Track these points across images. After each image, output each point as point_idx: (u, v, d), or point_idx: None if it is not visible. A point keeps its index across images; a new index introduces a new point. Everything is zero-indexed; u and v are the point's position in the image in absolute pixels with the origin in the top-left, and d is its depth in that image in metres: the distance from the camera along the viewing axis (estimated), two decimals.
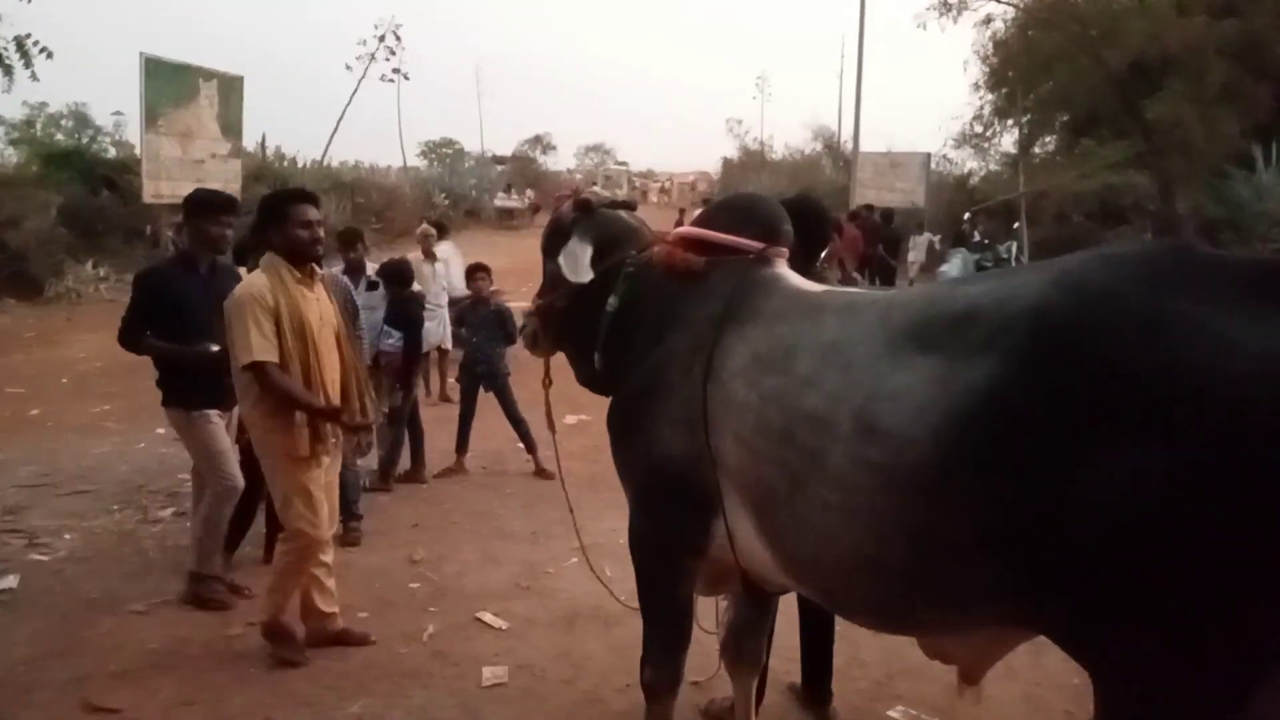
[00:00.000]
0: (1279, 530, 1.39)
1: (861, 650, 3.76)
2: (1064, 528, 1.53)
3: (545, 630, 3.89)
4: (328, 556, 3.60)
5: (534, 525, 5.25)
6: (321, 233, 3.52)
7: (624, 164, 64.42)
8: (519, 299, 14.85)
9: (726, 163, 42.94)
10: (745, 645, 2.87)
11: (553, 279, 2.79)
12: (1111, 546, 1.49)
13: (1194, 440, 1.42)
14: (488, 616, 3.98)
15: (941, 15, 14.93)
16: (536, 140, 50.18)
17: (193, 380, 3.97)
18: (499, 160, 41.53)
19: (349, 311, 4.71)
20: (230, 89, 15.42)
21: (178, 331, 3.98)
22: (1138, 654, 1.54)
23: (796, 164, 33.91)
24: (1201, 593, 1.45)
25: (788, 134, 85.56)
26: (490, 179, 34.75)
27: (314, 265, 3.56)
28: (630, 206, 2.95)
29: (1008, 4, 14.78)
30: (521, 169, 41.68)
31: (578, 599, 4.21)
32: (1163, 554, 1.46)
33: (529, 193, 34.98)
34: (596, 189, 3.02)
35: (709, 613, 3.17)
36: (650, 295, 2.51)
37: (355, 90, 24.84)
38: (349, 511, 4.93)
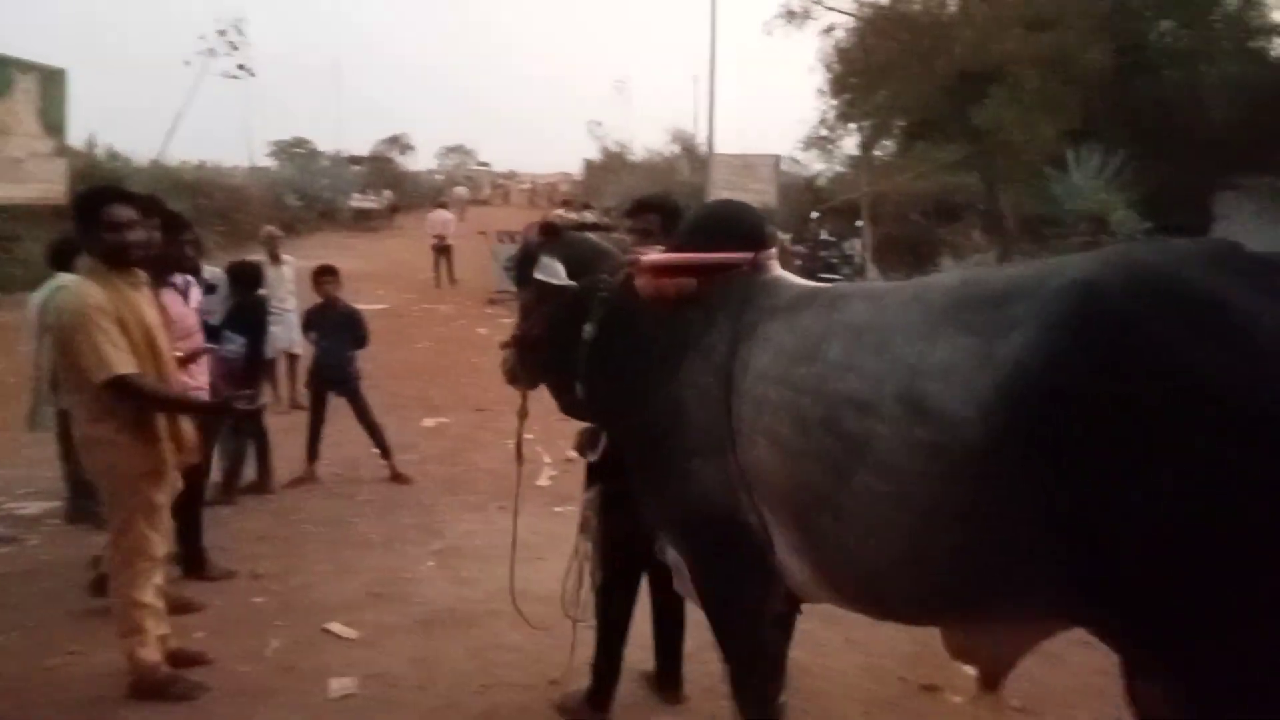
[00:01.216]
0: None
1: (711, 634, 3.87)
2: (1125, 513, 1.45)
3: (400, 637, 3.82)
4: (159, 578, 3.40)
5: (390, 531, 5.14)
6: (143, 234, 3.32)
7: (486, 165, 63.64)
8: (376, 302, 14.56)
9: (589, 164, 43.08)
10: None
11: (525, 309, 2.75)
12: (1172, 533, 1.41)
13: (1260, 423, 1.35)
14: (337, 627, 3.87)
15: (788, 23, 15.54)
16: (394, 140, 48.91)
17: None
18: (355, 160, 40.18)
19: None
20: (51, 83, 14.26)
21: None
22: (1202, 658, 1.46)
23: (655, 166, 34.40)
24: (1268, 585, 1.38)
25: (647, 136, 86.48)
26: (345, 179, 33.60)
27: (141, 268, 3.36)
28: (601, 229, 2.92)
29: (848, 14, 15.51)
30: (379, 169, 40.49)
31: (435, 603, 4.16)
32: (1224, 544, 1.39)
33: (386, 193, 34.06)
34: (561, 214, 2.99)
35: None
36: (633, 324, 2.40)
37: (195, 87, 23.45)
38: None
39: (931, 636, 3.75)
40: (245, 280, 5.70)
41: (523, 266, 2.75)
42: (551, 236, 2.69)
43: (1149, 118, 16.70)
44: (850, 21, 15.63)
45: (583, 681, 3.26)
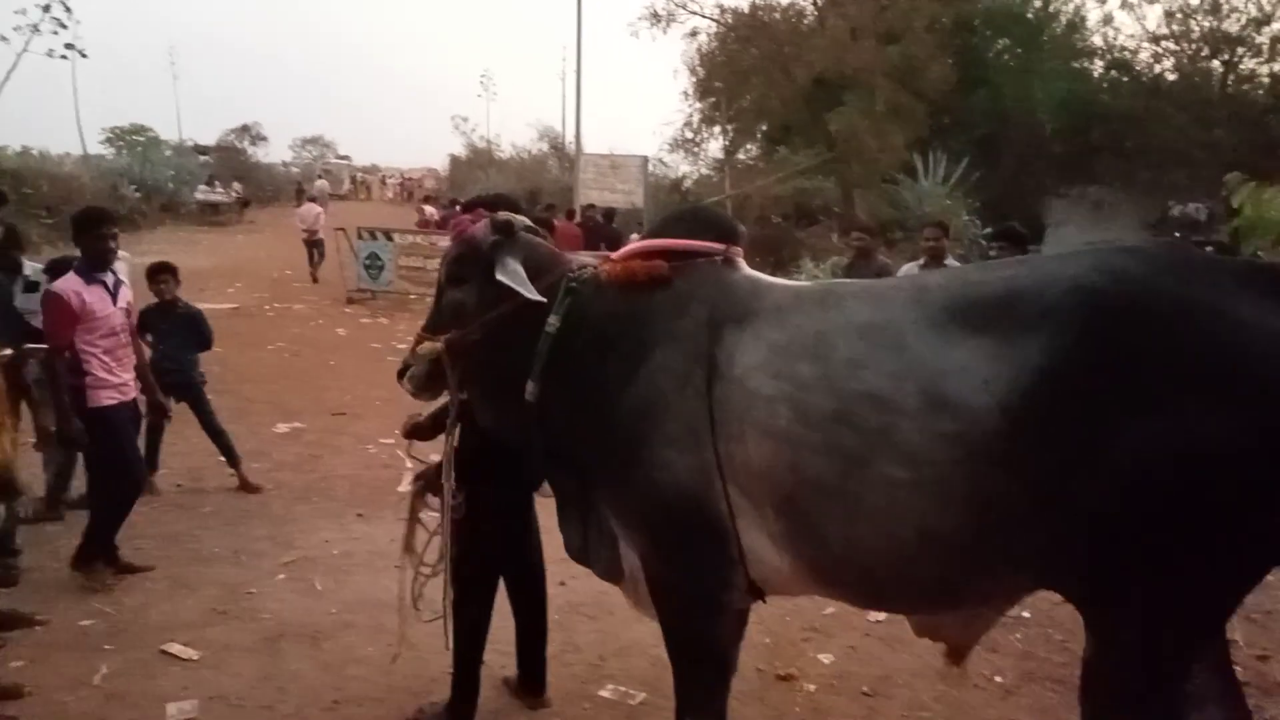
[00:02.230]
0: None
1: (576, 635, 3.88)
2: (1110, 488, 1.68)
3: (245, 655, 3.62)
4: None
5: (237, 544, 4.86)
6: None
7: (346, 158, 61.38)
8: (225, 301, 13.79)
9: (454, 160, 42.27)
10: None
11: (457, 310, 2.52)
12: (1151, 505, 1.67)
13: (1225, 407, 1.62)
14: (176, 648, 3.63)
15: (652, 25, 15.72)
16: (244, 130, 46.37)
17: None
18: (202, 150, 37.95)
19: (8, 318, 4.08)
20: None
21: None
22: (1150, 595, 1.73)
23: (524, 163, 34.12)
24: (1222, 539, 1.67)
25: (514, 133, 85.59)
26: (191, 170, 31.66)
27: None
28: (542, 231, 2.71)
29: (710, 19, 15.85)
30: (228, 160, 38.39)
31: (283, 618, 3.96)
32: (1195, 509, 1.65)
33: (236, 186, 32.34)
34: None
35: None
36: (602, 315, 2.34)
37: (14, 66, 21.58)
38: (3, 547, 4.30)
39: (784, 627, 3.96)
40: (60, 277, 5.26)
41: (463, 265, 2.54)
42: (508, 235, 2.48)
43: (986, 129, 17.85)
44: (713, 26, 15.96)
45: (443, 693, 3.19)
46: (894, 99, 14.59)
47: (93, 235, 4.35)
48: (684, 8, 15.73)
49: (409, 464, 6.12)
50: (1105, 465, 1.69)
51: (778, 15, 16.21)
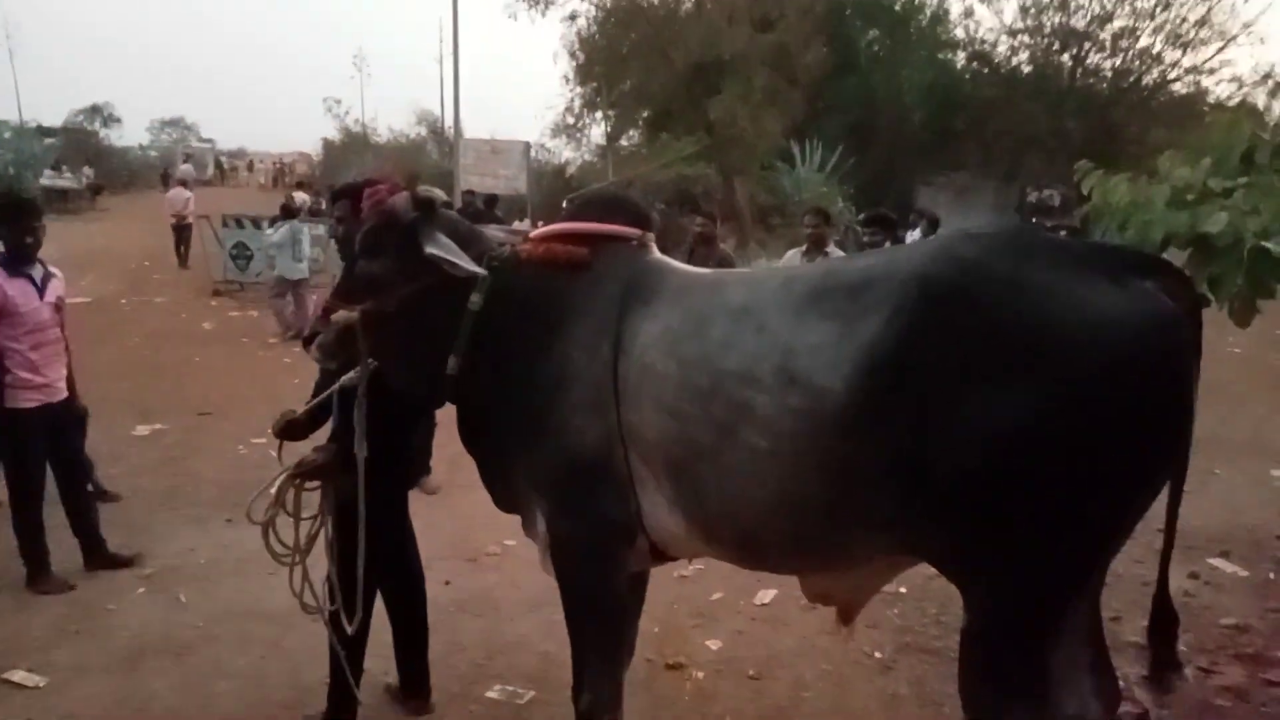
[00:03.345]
0: (1119, 453, 1.76)
1: (461, 634, 3.78)
2: (949, 457, 1.82)
3: (99, 678, 3.36)
4: None
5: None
6: None
7: (209, 141, 58.18)
8: (78, 294, 12.83)
9: (328, 144, 40.55)
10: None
11: (371, 281, 2.52)
12: (986, 474, 1.79)
13: (1049, 379, 1.75)
14: (19, 675, 3.33)
15: (531, 7, 15.49)
16: (95, 110, 43.13)
17: None
18: (46, 132, 35.18)
19: None
20: None
21: None
22: (1007, 565, 1.86)
23: (401, 147, 33.06)
24: (1063, 508, 1.79)
25: (390, 117, 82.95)
26: (34, 154, 29.31)
27: None
28: (450, 206, 2.70)
29: (589, 2, 15.74)
30: (77, 143, 35.70)
31: (143, 634, 3.71)
32: (1030, 478, 1.78)
33: (87, 170, 30.19)
34: (428, 189, 2.53)
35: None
36: (524, 293, 2.44)
37: None
38: None
39: (672, 615, 3.98)
40: None
41: (380, 236, 2.53)
42: (429, 211, 2.50)
43: (858, 116, 18.44)
44: (592, 10, 15.86)
45: (318, 704, 3.05)
46: (770, 85, 14.84)
47: (17, 227, 4.10)
48: None
49: (280, 465, 5.93)
50: (940, 439, 1.83)
51: (657, 1, 16.25)
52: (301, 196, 17.75)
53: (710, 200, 17.63)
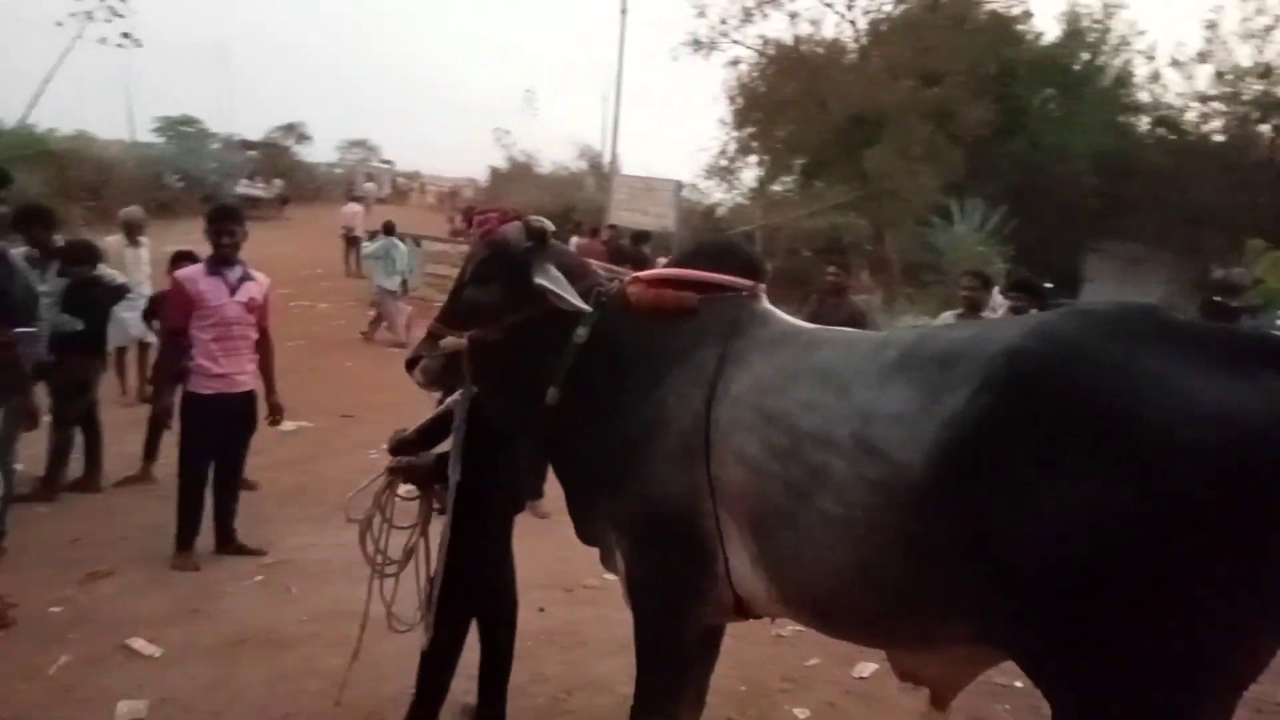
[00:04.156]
0: (1221, 572, 1.56)
1: (545, 665, 3.77)
2: (1023, 550, 1.68)
3: (204, 658, 3.56)
4: None
5: None
6: None
7: (389, 163, 62.10)
8: None
9: (494, 172, 42.50)
10: (690, 689, 2.66)
11: (478, 309, 2.55)
12: (1060, 574, 1.65)
13: (1139, 476, 1.58)
14: (138, 644, 3.58)
15: (694, 52, 15.76)
16: (290, 128, 46.95)
17: None
18: (249, 145, 38.51)
19: (28, 300, 4.10)
20: None
21: None
22: (1086, 681, 1.68)
23: (562, 180, 34.22)
24: (1153, 623, 1.60)
25: (553, 150, 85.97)
26: (235, 164, 32.16)
27: None
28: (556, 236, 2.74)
29: (752, 48, 15.86)
30: (272, 157, 38.89)
31: (250, 622, 3.90)
32: (1110, 583, 1.61)
33: (277, 182, 32.79)
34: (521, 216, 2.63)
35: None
36: (625, 332, 2.44)
37: (68, 50, 22.04)
38: None
39: (762, 675, 3.84)
40: (77, 258, 5.33)
41: (490, 265, 2.57)
42: (541, 242, 2.52)
43: (1023, 178, 17.65)
44: (754, 56, 15.97)
45: (396, 716, 3.10)
46: (930, 140, 14.47)
47: (217, 230, 4.59)
48: (726, 36, 15.77)
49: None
50: (1016, 530, 1.70)
51: (820, 50, 16.19)
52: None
53: (859, 251, 17.33)
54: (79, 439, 5.55)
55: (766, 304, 2.49)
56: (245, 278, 4.67)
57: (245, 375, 4.67)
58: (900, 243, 16.25)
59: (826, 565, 2.01)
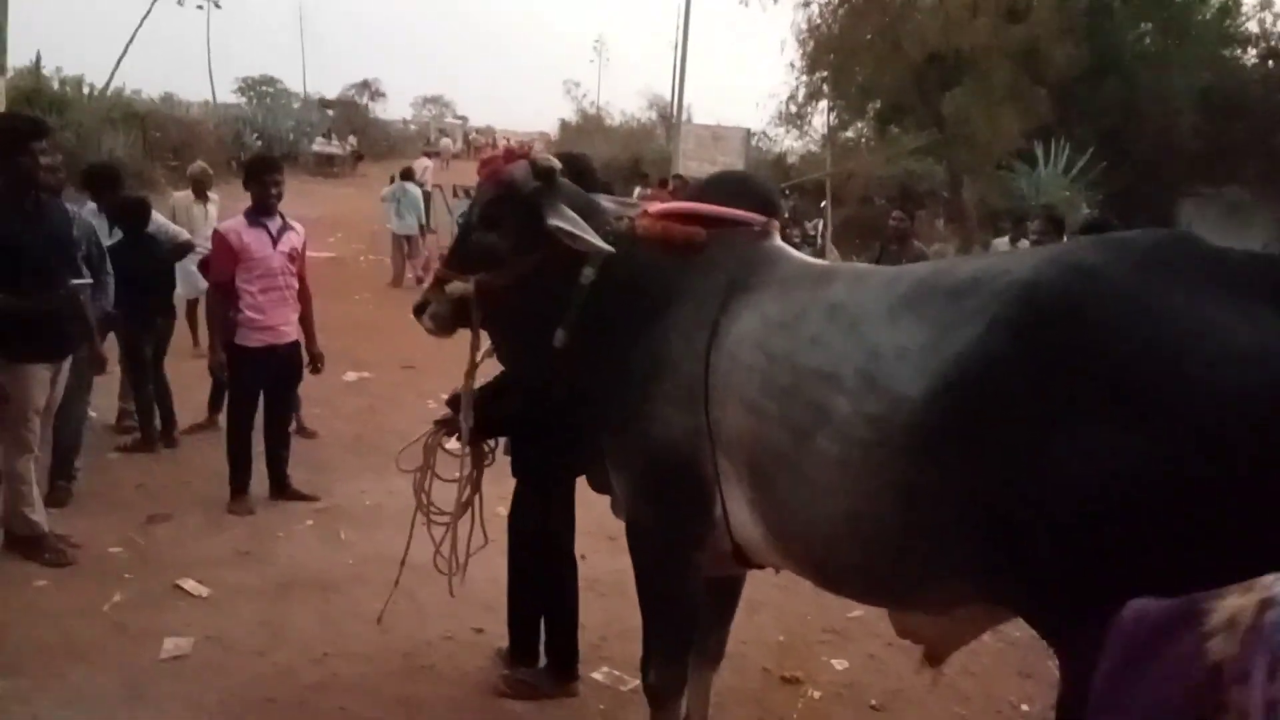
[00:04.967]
0: (1254, 523, 1.42)
1: (583, 613, 3.74)
2: (1033, 502, 1.57)
3: (252, 599, 3.67)
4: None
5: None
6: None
7: (463, 118, 62.62)
8: (324, 250, 14.20)
9: (564, 125, 42.47)
10: (710, 639, 2.70)
11: (488, 252, 2.47)
12: (1082, 521, 1.53)
13: (1166, 423, 1.45)
14: (189, 584, 3.71)
15: None
16: (364, 86, 47.76)
17: (24, 328, 3.58)
18: (327, 104, 39.25)
19: (92, 254, 4.24)
20: None
21: (6, 278, 3.55)
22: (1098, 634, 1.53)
23: (631, 131, 33.97)
24: (1177, 581, 1.43)
25: (624, 100, 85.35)
26: (312, 123, 32.81)
27: None
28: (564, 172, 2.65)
29: None
30: (347, 115, 39.56)
31: (299, 565, 4.01)
32: (1134, 540, 1.49)
33: (351, 139, 33.36)
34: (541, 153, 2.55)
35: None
36: (635, 269, 2.35)
37: (149, 12, 22.66)
38: (62, 469, 4.49)
39: (802, 627, 3.77)
40: (126, 217, 5.42)
41: (499, 206, 2.47)
42: (549, 182, 2.42)
43: (1116, 120, 16.69)
44: None
45: (436, 657, 3.15)
46: (1013, 81, 13.74)
47: (258, 181, 4.68)
48: None
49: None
50: (1026, 479, 1.58)
51: None
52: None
53: (935, 199, 16.74)
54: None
55: (779, 241, 2.39)
56: (285, 227, 4.72)
57: (290, 325, 4.75)
58: (980, 189, 15.60)
59: (821, 511, 1.92)
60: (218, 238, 4.68)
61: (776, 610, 3.80)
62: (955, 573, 1.77)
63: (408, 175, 13.42)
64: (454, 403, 3.01)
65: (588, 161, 3.14)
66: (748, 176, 2.70)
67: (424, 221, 12.95)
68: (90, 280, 4.00)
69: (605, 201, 2.60)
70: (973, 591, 1.80)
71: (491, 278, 2.46)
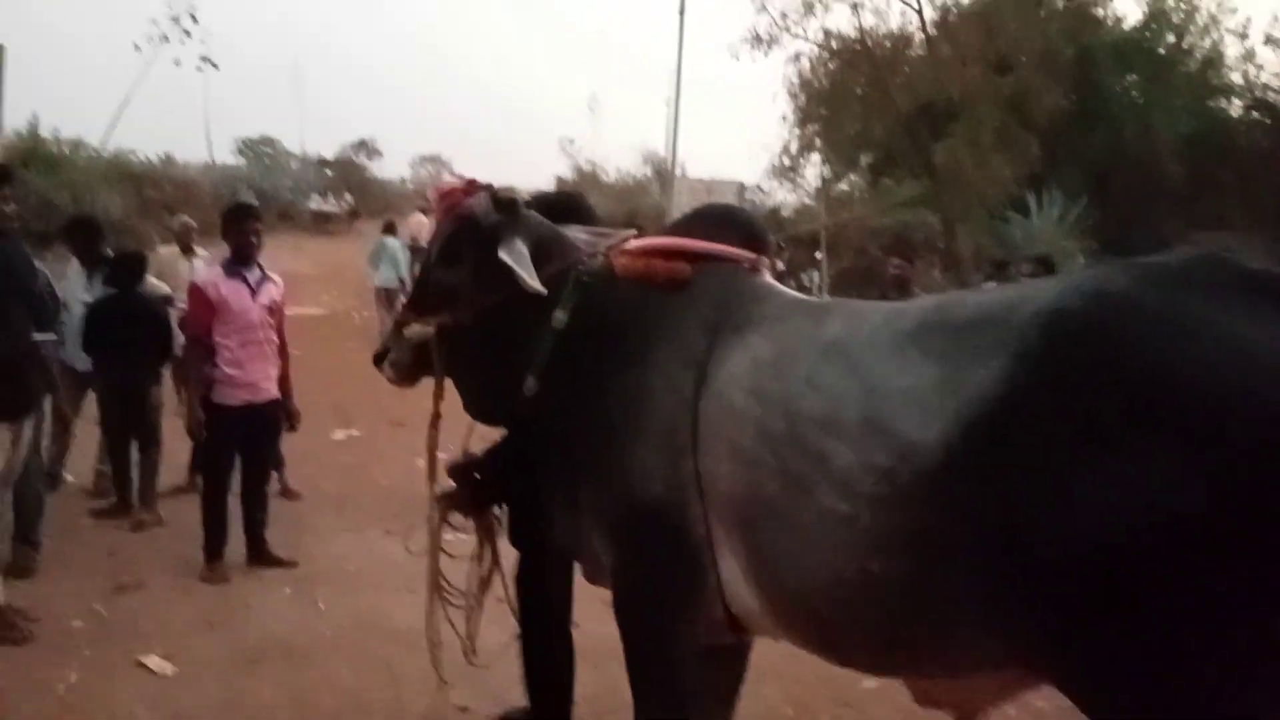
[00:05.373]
0: None
1: (577, 684, 3.52)
2: (1061, 545, 1.42)
3: (220, 675, 3.41)
4: None
5: None
6: None
7: (460, 176, 63.20)
8: (316, 306, 14.10)
9: (560, 182, 42.83)
10: (715, 711, 2.39)
11: (448, 292, 2.30)
12: (1107, 571, 1.39)
13: (1208, 448, 1.32)
14: (152, 660, 3.46)
15: (754, 48, 15.43)
16: (362, 145, 48.00)
17: None
18: (325, 163, 39.58)
19: (47, 306, 4.04)
20: None
21: None
22: (1148, 696, 1.39)
23: (626, 186, 34.26)
24: (1226, 629, 1.33)
25: (619, 156, 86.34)
26: (308, 181, 33.06)
27: None
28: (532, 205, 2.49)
29: (814, 43, 15.44)
30: (345, 173, 39.86)
31: (271, 636, 3.76)
32: (1176, 581, 1.34)
33: (347, 198, 33.58)
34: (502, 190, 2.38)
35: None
36: (611, 310, 2.18)
37: (143, 73, 22.87)
38: (26, 536, 4.25)
39: (811, 698, 3.51)
40: (122, 271, 5.25)
41: (458, 243, 2.31)
42: (510, 214, 2.25)
43: (1105, 167, 16.83)
44: (816, 50, 15.56)
45: None
46: (1003, 128, 13.84)
47: (236, 229, 4.48)
48: (787, 31, 15.38)
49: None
50: (1054, 521, 1.41)
51: (887, 43, 15.67)
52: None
53: (929, 247, 16.72)
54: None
55: (768, 277, 2.22)
56: (264, 279, 4.55)
57: (269, 381, 4.55)
58: (973, 237, 15.61)
59: (826, 574, 1.71)
60: (194, 290, 4.48)
61: (784, 679, 3.56)
62: (978, 633, 1.58)
63: (389, 229, 13.54)
64: (456, 472, 2.73)
65: (580, 199, 3.02)
66: (732, 208, 2.52)
67: (403, 275, 12.87)
68: (54, 335, 3.83)
69: (580, 234, 2.42)
70: (999, 653, 1.61)
71: (452, 319, 2.28)
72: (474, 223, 2.28)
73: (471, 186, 2.40)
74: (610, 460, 2.07)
